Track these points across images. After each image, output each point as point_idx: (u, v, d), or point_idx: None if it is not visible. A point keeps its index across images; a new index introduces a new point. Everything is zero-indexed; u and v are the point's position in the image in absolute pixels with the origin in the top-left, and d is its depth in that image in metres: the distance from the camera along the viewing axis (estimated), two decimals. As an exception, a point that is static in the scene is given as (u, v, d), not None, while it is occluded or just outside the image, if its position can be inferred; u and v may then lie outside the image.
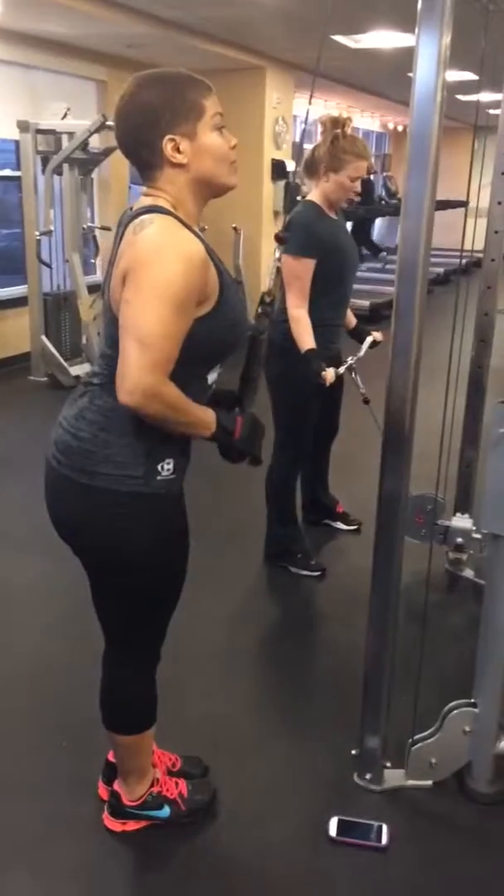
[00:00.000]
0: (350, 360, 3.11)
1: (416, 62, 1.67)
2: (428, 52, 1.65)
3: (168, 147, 1.50)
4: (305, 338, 2.90)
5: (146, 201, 1.54)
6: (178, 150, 1.50)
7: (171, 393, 1.47)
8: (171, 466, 1.60)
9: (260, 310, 1.74)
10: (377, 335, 3.23)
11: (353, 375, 3.16)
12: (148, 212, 1.49)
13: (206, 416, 1.59)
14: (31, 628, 2.87)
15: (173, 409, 1.49)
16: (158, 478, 1.58)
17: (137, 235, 1.45)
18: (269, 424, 3.15)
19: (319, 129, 2.96)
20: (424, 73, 1.67)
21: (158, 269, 1.42)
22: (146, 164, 1.54)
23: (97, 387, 1.61)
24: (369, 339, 3.20)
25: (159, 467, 1.58)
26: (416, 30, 1.65)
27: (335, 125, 2.90)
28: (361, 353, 3.18)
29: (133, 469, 1.57)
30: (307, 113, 2.29)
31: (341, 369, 3.02)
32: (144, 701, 1.84)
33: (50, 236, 5.79)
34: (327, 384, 2.92)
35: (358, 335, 3.30)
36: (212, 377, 1.66)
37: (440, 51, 1.64)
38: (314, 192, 2.99)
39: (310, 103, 2.09)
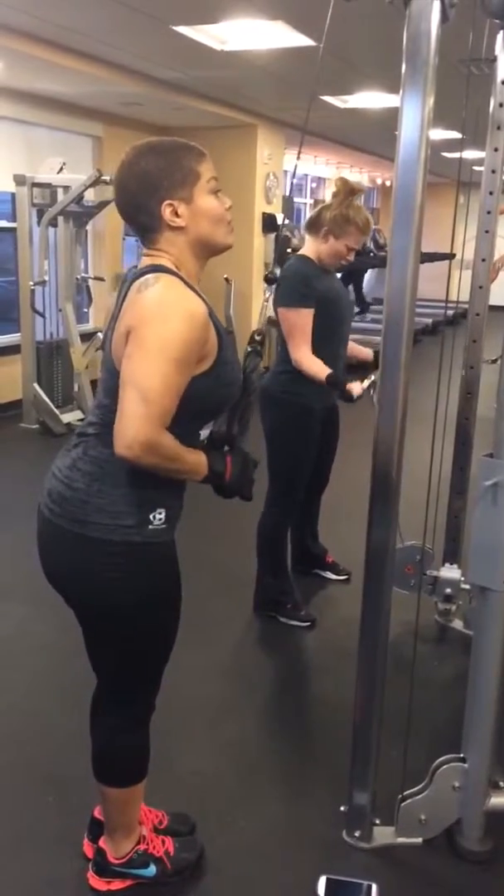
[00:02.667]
0: (373, 377, 3.11)
1: (400, 123, 1.72)
2: (412, 114, 1.70)
3: (167, 212, 1.55)
4: (320, 370, 2.91)
5: (149, 261, 1.59)
6: (176, 214, 1.56)
7: (167, 444, 1.50)
8: (162, 516, 1.62)
9: (250, 348, 1.77)
10: None
11: (372, 393, 3.14)
12: (152, 271, 1.53)
13: (198, 461, 1.61)
14: (15, 681, 2.82)
15: (168, 460, 1.52)
16: (150, 527, 1.60)
17: (142, 293, 1.49)
18: (263, 474, 3.18)
19: (332, 188, 3.02)
20: (409, 133, 1.71)
21: (162, 325, 1.46)
22: (146, 228, 1.59)
23: (92, 436, 1.63)
24: None
25: (151, 517, 1.59)
26: (401, 92, 1.71)
27: (350, 193, 2.96)
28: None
29: (126, 518, 1.58)
30: (294, 168, 2.37)
31: (366, 383, 2.99)
32: (137, 752, 1.82)
33: (44, 286, 5.88)
34: (355, 396, 2.93)
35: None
36: (203, 434, 1.69)
37: (424, 112, 1.70)
38: (309, 248, 3.03)
39: (297, 159, 2.14)
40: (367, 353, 3.37)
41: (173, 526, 1.67)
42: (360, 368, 3.33)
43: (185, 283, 1.55)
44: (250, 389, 1.74)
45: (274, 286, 2.96)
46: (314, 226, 3.00)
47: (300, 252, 3.08)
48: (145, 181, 1.54)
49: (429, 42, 1.66)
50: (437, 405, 2.15)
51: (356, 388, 2.94)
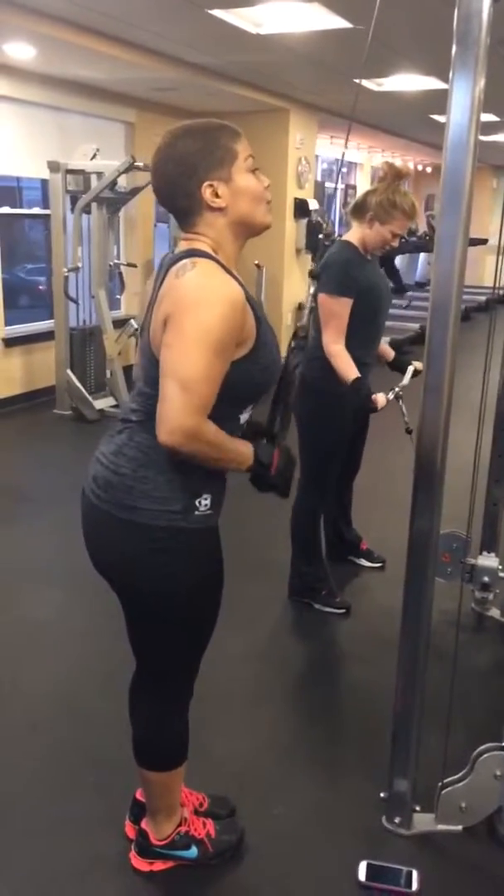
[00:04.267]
0: (397, 388, 3.08)
1: (449, 105, 1.69)
2: (462, 95, 1.67)
3: (207, 193, 1.54)
4: (349, 369, 2.90)
5: (186, 245, 1.58)
6: (216, 194, 1.54)
7: (209, 431, 1.50)
8: (208, 502, 1.62)
9: (293, 343, 1.77)
10: (418, 364, 3.20)
11: (400, 403, 3.10)
12: (189, 255, 1.52)
13: (244, 450, 1.61)
14: (55, 665, 2.86)
15: (211, 447, 1.53)
16: (196, 513, 1.60)
17: (180, 279, 1.49)
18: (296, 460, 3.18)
19: (378, 174, 2.99)
20: (458, 115, 1.68)
21: (200, 313, 1.46)
22: (185, 211, 1.58)
23: (136, 423, 1.63)
24: (411, 369, 3.15)
25: (197, 503, 1.60)
26: (451, 73, 1.67)
27: (397, 177, 2.93)
28: (406, 381, 3.11)
29: (172, 504, 1.58)
30: (343, 155, 2.36)
31: (390, 395, 2.98)
32: (177, 737, 1.83)
33: (77, 273, 5.89)
34: (379, 408, 2.90)
35: (399, 366, 3.26)
36: (244, 417, 1.68)
37: (474, 94, 1.66)
38: (353, 234, 3.01)
39: (345, 147, 2.12)
40: (389, 353, 3.34)
41: (218, 512, 1.67)
42: (398, 364, 3.29)
43: (223, 266, 1.54)
44: (292, 384, 1.74)
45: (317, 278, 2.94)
46: (359, 210, 2.97)
47: (344, 237, 3.06)
48: (183, 163, 1.53)
49: (480, 22, 1.62)
50: (484, 392, 2.13)
51: (381, 399, 2.91)
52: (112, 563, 1.68)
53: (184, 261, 1.51)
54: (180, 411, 1.45)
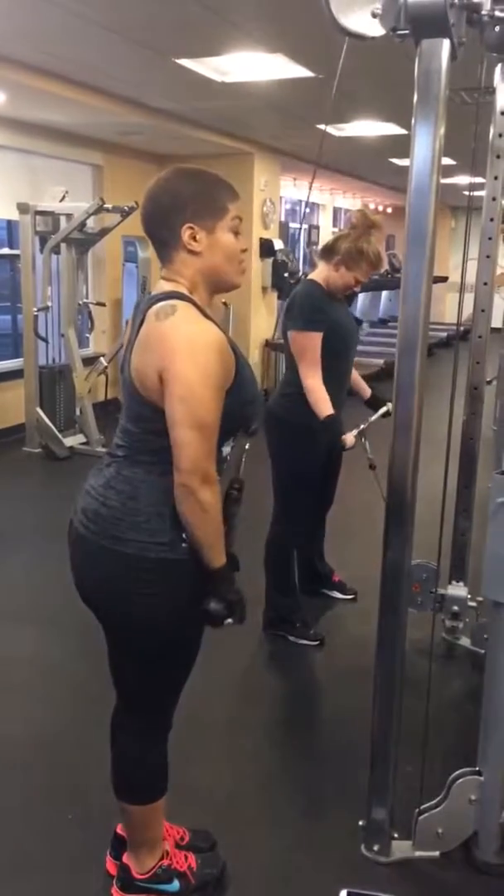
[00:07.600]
0: (362, 426, 3.17)
1: (412, 153, 1.78)
2: (424, 144, 1.77)
3: (186, 234, 1.62)
4: (323, 405, 2.98)
5: (165, 287, 1.65)
6: (194, 238, 1.62)
7: (217, 488, 1.59)
8: None
9: (234, 493, 1.76)
10: (391, 406, 3.31)
11: (363, 440, 3.18)
12: (168, 297, 1.59)
13: (222, 540, 1.66)
14: (30, 704, 2.84)
15: (215, 508, 1.60)
16: (183, 545, 1.64)
17: (163, 324, 1.55)
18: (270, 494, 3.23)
19: (351, 220, 3.11)
20: (421, 162, 1.78)
21: (199, 361, 1.53)
22: (164, 243, 1.66)
23: (122, 458, 1.68)
24: (383, 410, 3.27)
25: (184, 535, 1.64)
26: (413, 123, 1.77)
27: (368, 228, 3.04)
28: (373, 418, 3.25)
29: (160, 536, 1.63)
30: (307, 197, 2.47)
31: (355, 432, 3.08)
32: (158, 769, 1.85)
33: (47, 312, 5.94)
34: (347, 447, 3.02)
35: (373, 404, 3.38)
36: (226, 450, 1.74)
37: (435, 143, 1.76)
38: (319, 273, 3.10)
39: (309, 190, 2.23)
40: (366, 390, 3.44)
41: None
42: (373, 403, 3.40)
43: (200, 309, 1.61)
44: (234, 520, 1.75)
45: (284, 309, 3.04)
46: (329, 253, 3.07)
47: (309, 276, 3.15)
48: (177, 199, 1.62)
49: (439, 79, 1.73)
50: (451, 425, 2.21)
51: (349, 439, 3.03)
52: (98, 593, 1.71)
53: (162, 303, 1.58)
54: (200, 453, 1.54)
